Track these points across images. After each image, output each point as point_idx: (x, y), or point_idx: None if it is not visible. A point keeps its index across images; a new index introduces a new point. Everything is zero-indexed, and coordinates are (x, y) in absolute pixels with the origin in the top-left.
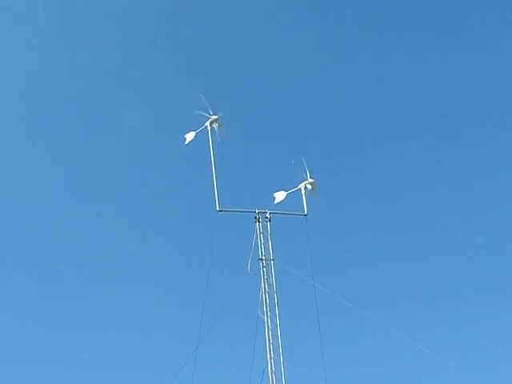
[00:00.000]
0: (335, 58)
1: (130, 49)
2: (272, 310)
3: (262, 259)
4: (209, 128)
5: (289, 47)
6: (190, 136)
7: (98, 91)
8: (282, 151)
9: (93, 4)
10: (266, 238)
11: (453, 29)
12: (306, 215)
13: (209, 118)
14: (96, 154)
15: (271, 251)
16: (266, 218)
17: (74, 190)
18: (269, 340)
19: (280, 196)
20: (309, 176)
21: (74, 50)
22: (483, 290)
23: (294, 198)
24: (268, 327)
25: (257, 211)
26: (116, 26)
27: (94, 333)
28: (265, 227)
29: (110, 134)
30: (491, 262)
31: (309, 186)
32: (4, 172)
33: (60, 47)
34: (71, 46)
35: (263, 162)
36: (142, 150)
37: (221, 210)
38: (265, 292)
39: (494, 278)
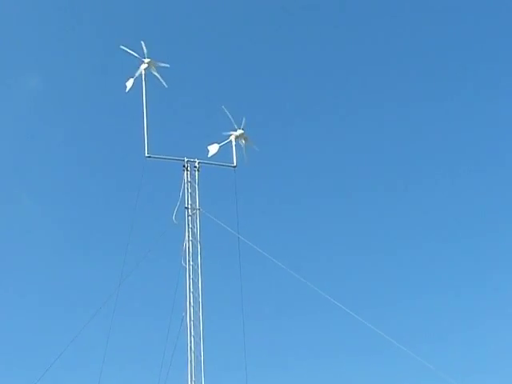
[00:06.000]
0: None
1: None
2: (195, 260)
3: (187, 208)
4: (143, 73)
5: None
6: (129, 83)
7: None
8: (218, 101)
9: None
10: (193, 188)
11: None
12: (235, 167)
13: (143, 63)
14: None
15: (197, 201)
16: (195, 167)
17: None
18: (189, 289)
19: (213, 149)
20: (236, 126)
21: None
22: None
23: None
24: (189, 276)
25: (185, 160)
26: None
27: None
28: (193, 177)
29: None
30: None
31: (240, 138)
32: None
33: None
34: None
35: (196, 112)
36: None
37: (149, 157)
38: (188, 241)
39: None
